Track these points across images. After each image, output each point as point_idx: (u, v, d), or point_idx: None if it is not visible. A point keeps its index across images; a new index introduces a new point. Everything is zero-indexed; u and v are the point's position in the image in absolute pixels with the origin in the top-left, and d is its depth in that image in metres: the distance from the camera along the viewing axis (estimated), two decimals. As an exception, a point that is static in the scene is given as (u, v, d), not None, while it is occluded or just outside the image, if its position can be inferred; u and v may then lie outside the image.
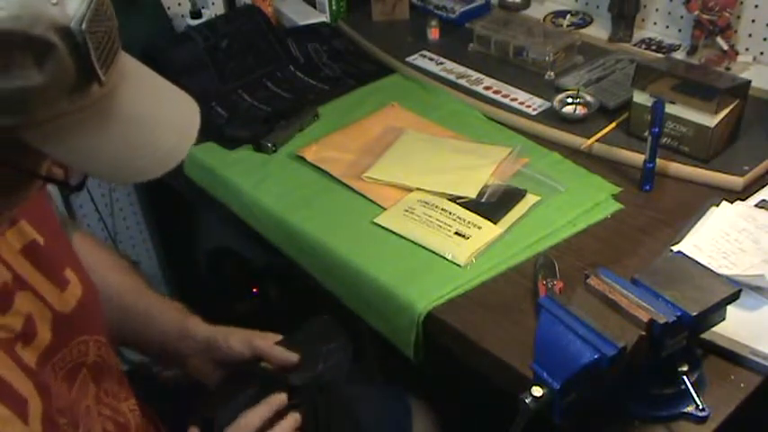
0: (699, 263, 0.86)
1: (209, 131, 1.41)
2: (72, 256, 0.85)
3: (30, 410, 0.70)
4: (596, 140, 1.26)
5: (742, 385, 0.87)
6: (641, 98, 1.23)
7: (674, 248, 1.02)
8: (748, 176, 1.16)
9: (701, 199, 1.13)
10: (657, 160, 1.16)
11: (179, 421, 1.04)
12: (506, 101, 1.40)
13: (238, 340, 0.95)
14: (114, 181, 0.90)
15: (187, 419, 0.87)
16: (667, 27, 1.54)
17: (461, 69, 1.52)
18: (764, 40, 1.40)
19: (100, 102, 0.62)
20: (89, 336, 0.83)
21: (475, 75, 1.49)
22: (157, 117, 0.67)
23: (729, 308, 0.82)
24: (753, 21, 1.40)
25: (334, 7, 1.75)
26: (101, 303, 0.88)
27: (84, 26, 0.57)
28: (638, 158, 1.20)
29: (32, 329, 0.74)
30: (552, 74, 1.46)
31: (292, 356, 0.92)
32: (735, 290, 0.81)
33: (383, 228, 1.14)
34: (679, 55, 1.46)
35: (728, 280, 0.87)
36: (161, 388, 1.10)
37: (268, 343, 0.94)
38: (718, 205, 1.10)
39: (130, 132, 0.64)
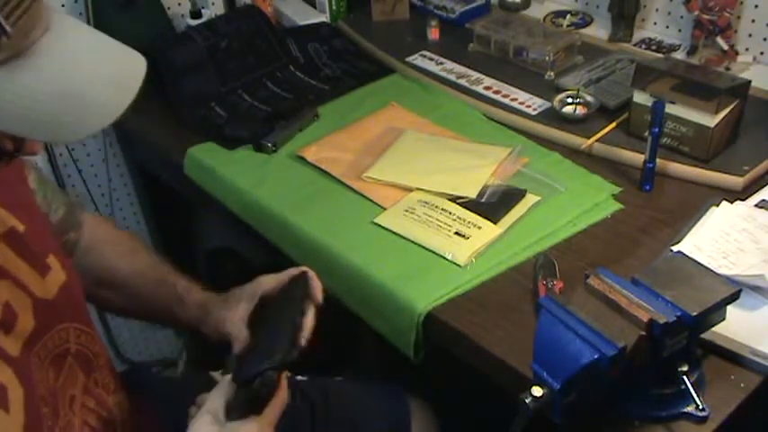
0: (699, 263, 0.86)
1: (209, 131, 1.41)
2: (55, 243, 0.85)
3: (10, 398, 0.69)
4: (596, 140, 1.26)
5: (742, 385, 0.87)
6: (641, 98, 1.23)
7: (674, 248, 1.02)
8: (748, 176, 1.16)
9: (701, 199, 1.13)
10: (657, 160, 1.16)
11: (179, 421, 1.04)
12: (506, 101, 1.40)
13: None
14: (48, 140, 0.89)
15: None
16: (667, 27, 1.54)
17: (461, 69, 1.52)
18: (764, 40, 1.40)
19: (15, 56, 0.60)
20: (69, 323, 0.83)
21: (475, 75, 1.49)
22: (89, 71, 0.65)
23: (729, 308, 0.82)
24: (753, 21, 1.40)
25: (334, 7, 1.75)
26: (82, 291, 0.88)
27: None
28: (638, 158, 1.20)
29: (12, 317, 0.74)
30: (552, 74, 1.46)
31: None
32: (735, 290, 0.81)
33: (383, 228, 1.14)
34: (679, 55, 1.46)
35: (728, 280, 0.87)
36: (160, 387, 1.10)
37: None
38: (718, 205, 1.10)
39: (54, 87, 0.62)
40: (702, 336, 0.84)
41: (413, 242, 1.11)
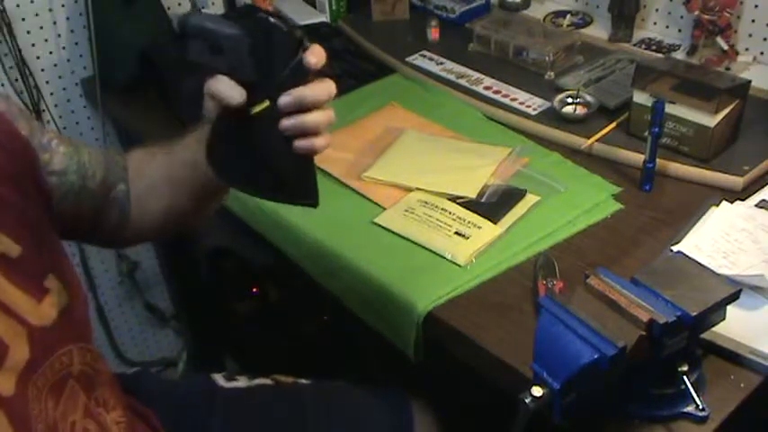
0: (699, 263, 0.86)
1: (209, 131, 1.41)
2: (58, 260, 0.81)
3: None
4: (596, 140, 1.26)
5: (742, 385, 0.87)
6: (641, 98, 1.23)
7: (674, 248, 1.02)
8: (748, 176, 1.16)
9: (701, 199, 1.13)
10: (657, 160, 1.17)
11: (178, 423, 1.04)
12: (506, 101, 1.40)
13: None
14: None
15: None
16: (667, 27, 1.54)
17: (461, 69, 1.52)
18: (764, 40, 1.40)
19: None
20: (73, 344, 0.79)
21: (475, 75, 1.49)
22: None
23: (729, 308, 0.82)
24: (753, 21, 1.40)
25: (334, 7, 1.75)
26: (87, 308, 0.85)
27: None
28: (638, 158, 1.20)
29: (2, 351, 0.70)
30: (552, 74, 1.46)
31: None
32: (735, 290, 0.81)
33: (383, 228, 1.14)
34: (679, 55, 1.46)
35: (728, 280, 0.87)
36: (160, 392, 1.09)
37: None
38: (718, 205, 1.10)
39: None
40: (702, 336, 0.84)
41: (413, 242, 1.11)
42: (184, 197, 0.95)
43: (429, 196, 1.19)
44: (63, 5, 1.61)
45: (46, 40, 1.62)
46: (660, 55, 1.47)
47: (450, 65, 1.53)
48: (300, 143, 0.81)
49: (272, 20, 0.77)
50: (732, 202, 1.10)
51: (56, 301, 0.77)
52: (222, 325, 1.95)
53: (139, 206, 0.97)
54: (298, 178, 0.85)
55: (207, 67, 0.79)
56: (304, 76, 0.79)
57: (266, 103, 0.79)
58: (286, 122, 0.79)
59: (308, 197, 0.86)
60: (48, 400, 0.75)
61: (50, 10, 1.60)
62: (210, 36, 0.78)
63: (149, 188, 0.97)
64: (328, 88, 0.81)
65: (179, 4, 1.75)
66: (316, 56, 0.78)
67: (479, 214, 1.14)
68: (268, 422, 1.09)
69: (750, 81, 1.22)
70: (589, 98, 1.34)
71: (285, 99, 0.78)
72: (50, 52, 1.64)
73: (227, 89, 0.78)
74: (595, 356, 0.72)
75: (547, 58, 1.46)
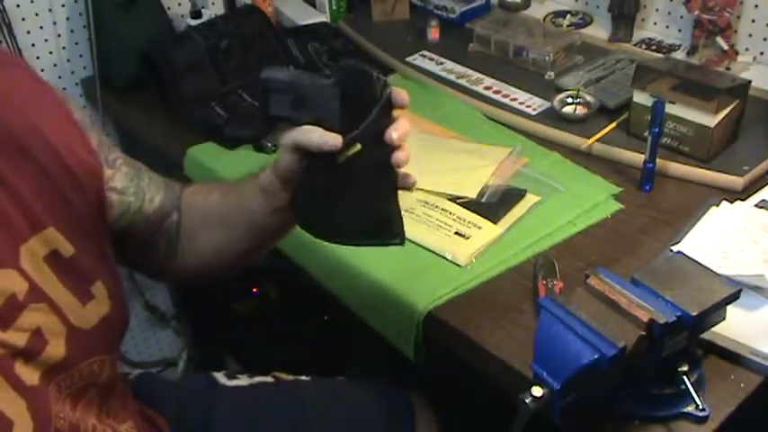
0: (699, 263, 0.86)
1: (209, 131, 1.41)
2: (108, 270, 0.82)
3: None
4: (596, 140, 1.26)
5: (742, 385, 0.87)
6: (641, 98, 1.23)
7: (674, 248, 1.02)
8: (748, 176, 1.16)
9: (701, 199, 1.13)
10: (657, 160, 1.17)
11: (182, 423, 1.04)
12: (506, 101, 1.40)
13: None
14: None
15: None
16: (667, 27, 1.54)
17: (461, 69, 1.52)
18: (764, 40, 1.40)
19: None
20: (107, 355, 0.80)
21: (475, 75, 1.49)
22: None
23: (729, 308, 0.82)
24: (753, 21, 1.40)
25: (334, 7, 1.76)
26: (124, 324, 0.85)
27: None
28: (638, 158, 1.20)
29: (39, 345, 0.72)
30: (552, 74, 1.46)
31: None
32: (735, 290, 0.81)
33: (383, 228, 1.14)
34: (679, 55, 1.46)
35: (728, 280, 0.87)
36: (164, 391, 1.09)
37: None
38: (718, 205, 1.10)
39: None
40: (702, 336, 0.84)
41: (413, 242, 1.11)
42: (237, 240, 0.95)
43: (429, 196, 1.19)
44: (63, 5, 1.61)
45: (46, 40, 1.62)
46: (660, 55, 1.47)
47: (450, 65, 1.53)
48: (405, 180, 0.83)
49: (359, 65, 0.78)
50: (732, 202, 1.10)
51: (98, 309, 0.78)
52: (222, 325, 1.95)
53: (188, 240, 0.97)
54: (392, 215, 0.86)
55: (291, 121, 0.80)
56: (389, 113, 0.80)
57: (357, 147, 0.79)
58: (396, 158, 0.80)
59: (400, 234, 0.87)
60: (66, 403, 0.75)
61: (50, 10, 1.60)
62: (296, 89, 0.79)
63: (200, 224, 0.97)
64: (408, 121, 0.82)
65: (179, 4, 1.75)
66: (402, 94, 0.80)
67: (479, 214, 1.14)
68: (270, 419, 1.09)
69: (750, 81, 1.22)
70: (589, 98, 1.34)
71: (393, 136, 0.79)
72: (50, 52, 1.64)
73: (320, 136, 0.78)
74: (595, 356, 0.72)
75: (547, 58, 1.46)
